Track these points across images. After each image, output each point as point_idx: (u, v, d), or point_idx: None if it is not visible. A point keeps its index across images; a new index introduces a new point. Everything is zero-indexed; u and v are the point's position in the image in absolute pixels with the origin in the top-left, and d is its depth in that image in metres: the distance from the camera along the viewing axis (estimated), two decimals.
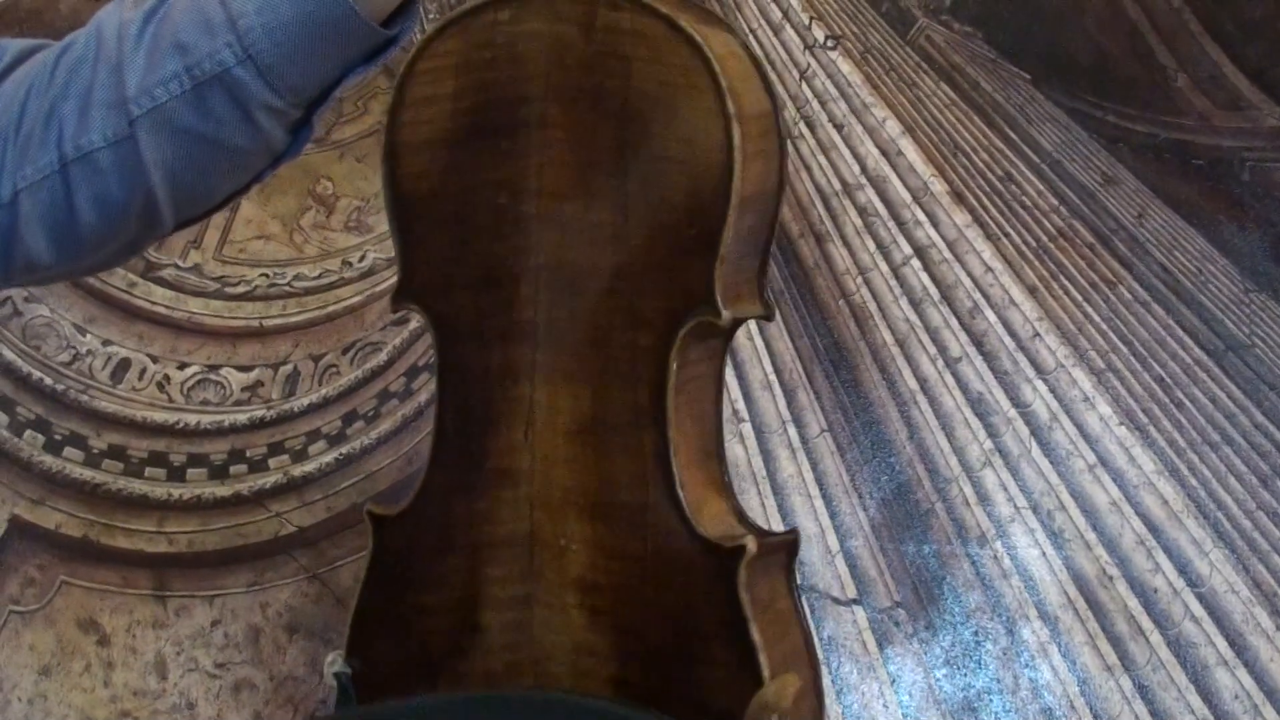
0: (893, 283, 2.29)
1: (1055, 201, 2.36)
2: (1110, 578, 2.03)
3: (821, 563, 2.09)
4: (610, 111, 1.35)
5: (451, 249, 1.31)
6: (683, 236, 1.34)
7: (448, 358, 1.29)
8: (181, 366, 2.35)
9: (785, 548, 1.40)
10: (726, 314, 1.34)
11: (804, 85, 2.52)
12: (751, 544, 1.31)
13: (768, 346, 2.24)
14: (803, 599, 1.17)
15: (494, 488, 1.31)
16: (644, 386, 1.33)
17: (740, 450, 2.19)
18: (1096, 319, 2.23)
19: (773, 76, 1.33)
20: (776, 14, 2.52)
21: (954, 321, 2.26)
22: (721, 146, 1.34)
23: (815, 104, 2.52)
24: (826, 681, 2.04)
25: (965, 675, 1.99)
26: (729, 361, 2.00)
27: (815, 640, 1.19)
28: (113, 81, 1.17)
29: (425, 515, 1.29)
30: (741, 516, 1.42)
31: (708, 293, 1.32)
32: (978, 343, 2.23)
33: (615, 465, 1.33)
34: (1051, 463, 2.12)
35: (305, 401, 2.35)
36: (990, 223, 2.34)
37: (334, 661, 1.17)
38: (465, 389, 1.30)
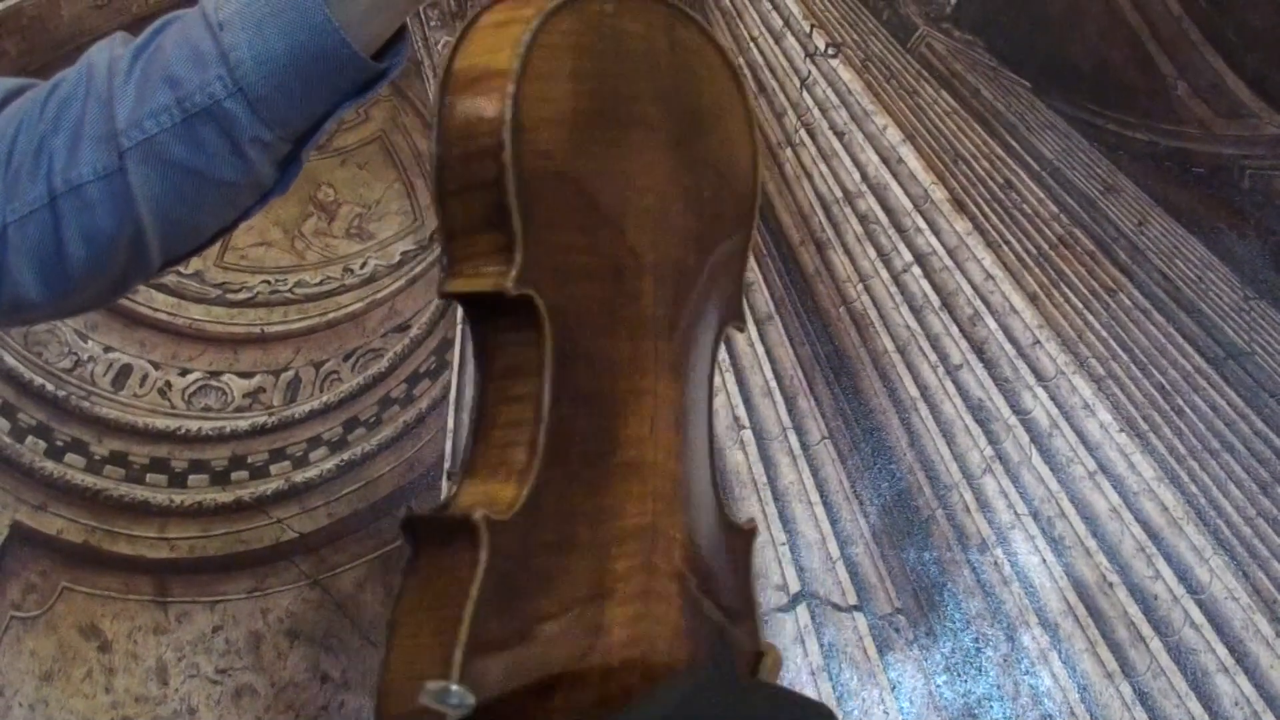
0: (893, 290, 2.30)
1: (1056, 209, 2.36)
2: (1110, 584, 2.03)
3: (822, 569, 2.09)
4: (687, 121, 1.37)
5: (580, 236, 1.28)
6: (730, 248, 1.37)
7: (569, 348, 1.26)
8: (183, 373, 2.35)
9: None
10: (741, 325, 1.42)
11: (805, 93, 2.53)
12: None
13: (768, 353, 2.25)
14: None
15: (621, 480, 1.30)
16: (707, 382, 1.37)
17: (741, 457, 2.19)
18: (1097, 326, 2.24)
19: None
20: (778, 21, 2.53)
21: (954, 329, 2.26)
22: (751, 167, 1.41)
23: (816, 111, 2.52)
24: (827, 688, 2.04)
25: (966, 682, 2.00)
26: (731, 368, 2.01)
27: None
28: (103, 115, 1.17)
29: (543, 514, 1.25)
30: None
31: (739, 303, 1.39)
32: (978, 350, 2.24)
33: (696, 455, 1.35)
34: (1052, 470, 2.12)
35: (306, 408, 2.36)
36: (991, 230, 2.35)
37: (444, 693, 1.09)
38: (594, 381, 1.28)
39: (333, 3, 1.17)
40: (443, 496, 1.18)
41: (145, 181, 1.15)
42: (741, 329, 1.42)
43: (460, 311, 2.45)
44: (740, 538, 1.39)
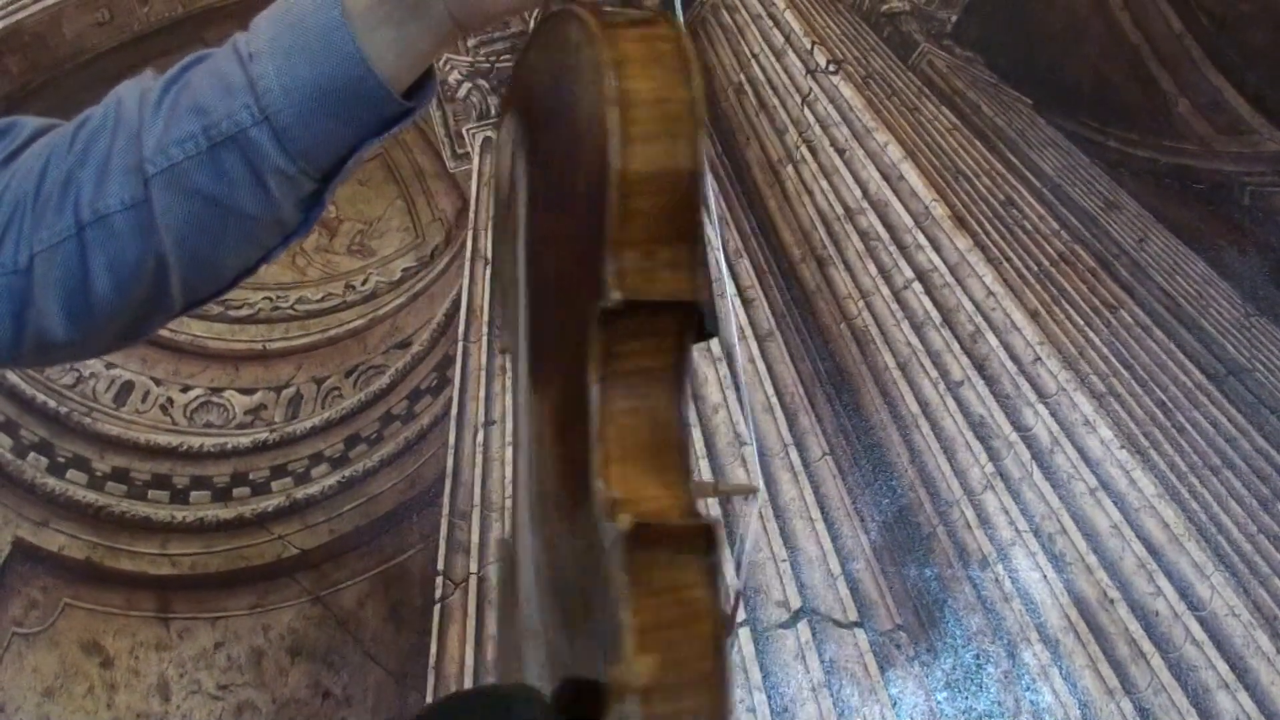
0: (894, 306, 2.30)
1: (1057, 226, 2.36)
2: (1111, 601, 2.03)
3: (823, 586, 2.09)
4: None
5: None
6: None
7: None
8: (185, 389, 2.35)
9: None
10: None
11: (806, 109, 2.53)
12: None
13: (769, 370, 2.25)
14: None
15: None
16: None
17: (742, 473, 2.19)
18: (1098, 343, 2.24)
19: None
20: (779, 39, 2.53)
21: (955, 345, 2.26)
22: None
23: (817, 128, 2.53)
24: (828, 704, 2.04)
25: (966, 698, 2.00)
26: (731, 384, 2.01)
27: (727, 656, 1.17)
28: (131, 147, 1.17)
29: None
30: None
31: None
32: (979, 366, 2.24)
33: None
34: (1053, 486, 2.12)
35: (308, 424, 2.36)
36: (992, 247, 2.35)
37: None
38: None
39: (363, 36, 1.17)
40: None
41: (167, 210, 1.15)
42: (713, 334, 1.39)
43: (463, 328, 2.46)
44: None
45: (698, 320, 1.16)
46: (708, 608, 1.21)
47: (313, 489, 2.30)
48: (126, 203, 1.17)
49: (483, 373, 2.37)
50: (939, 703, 2.01)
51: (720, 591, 1.07)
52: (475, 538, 2.20)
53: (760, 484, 1.90)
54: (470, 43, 2.90)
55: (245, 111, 1.16)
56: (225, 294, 1.28)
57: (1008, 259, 2.33)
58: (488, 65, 2.86)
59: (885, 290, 2.31)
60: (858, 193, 2.44)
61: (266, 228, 1.22)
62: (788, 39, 2.52)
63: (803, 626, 2.08)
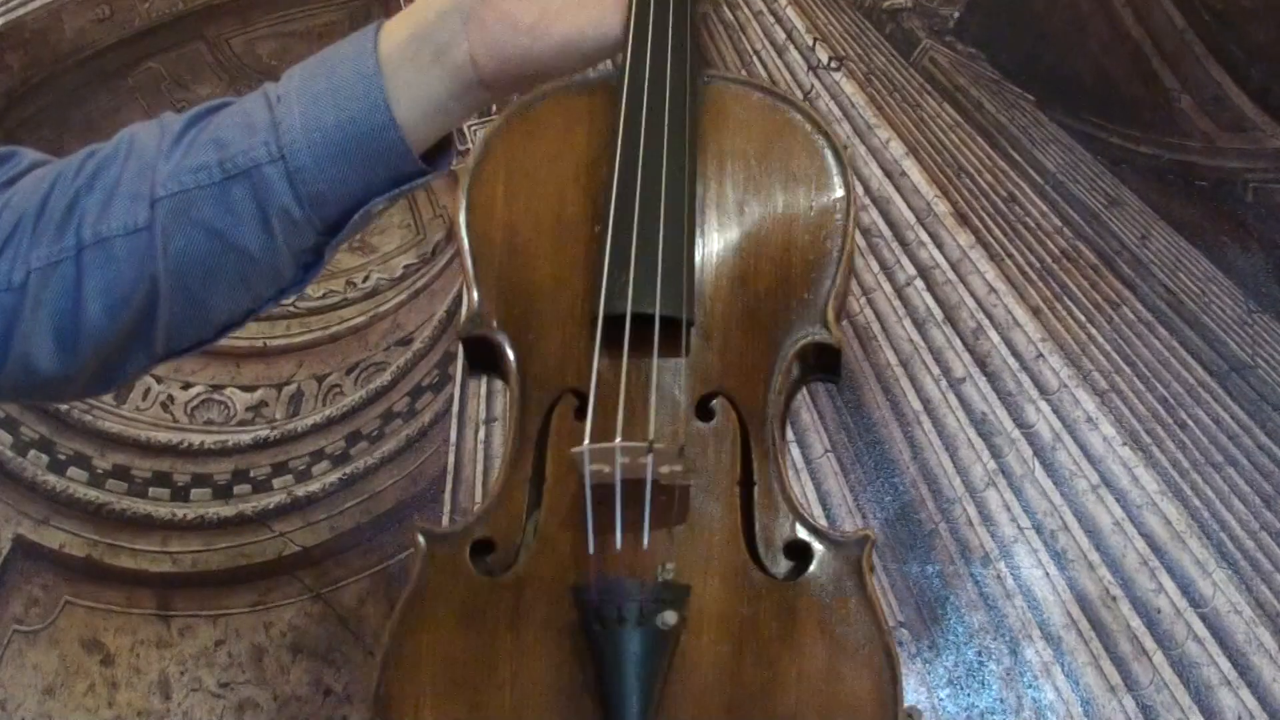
0: (896, 303, 2.29)
1: (1059, 223, 2.36)
2: (1113, 598, 2.03)
3: None
4: None
5: None
6: None
7: None
8: (185, 386, 2.35)
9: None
10: None
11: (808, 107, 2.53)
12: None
13: None
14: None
15: None
16: None
17: None
18: (1100, 340, 2.23)
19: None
20: (780, 35, 2.53)
21: (957, 342, 2.26)
22: None
23: None
24: None
25: (969, 696, 1.99)
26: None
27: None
28: (143, 176, 1.17)
29: None
30: None
31: None
32: (981, 363, 2.23)
33: None
34: (1055, 483, 2.12)
35: (309, 422, 2.36)
36: (994, 244, 2.35)
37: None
38: None
39: (391, 90, 1.17)
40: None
41: (169, 237, 1.15)
42: None
43: None
44: None
45: None
46: None
47: (314, 486, 2.29)
48: (129, 228, 1.17)
49: None
50: (941, 700, 2.01)
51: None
52: None
53: None
54: None
55: (263, 148, 1.17)
56: (208, 345, 1.28)
57: (1010, 256, 2.33)
58: None
59: (887, 287, 2.30)
60: (859, 189, 2.43)
61: (262, 272, 1.22)
62: (789, 35, 2.51)
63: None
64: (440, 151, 1.25)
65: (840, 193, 1.27)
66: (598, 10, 1.25)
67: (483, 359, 1.30)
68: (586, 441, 1.14)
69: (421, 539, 1.19)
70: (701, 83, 1.31)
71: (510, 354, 1.25)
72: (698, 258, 1.24)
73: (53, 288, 1.16)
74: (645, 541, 1.11)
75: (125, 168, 1.19)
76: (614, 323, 1.19)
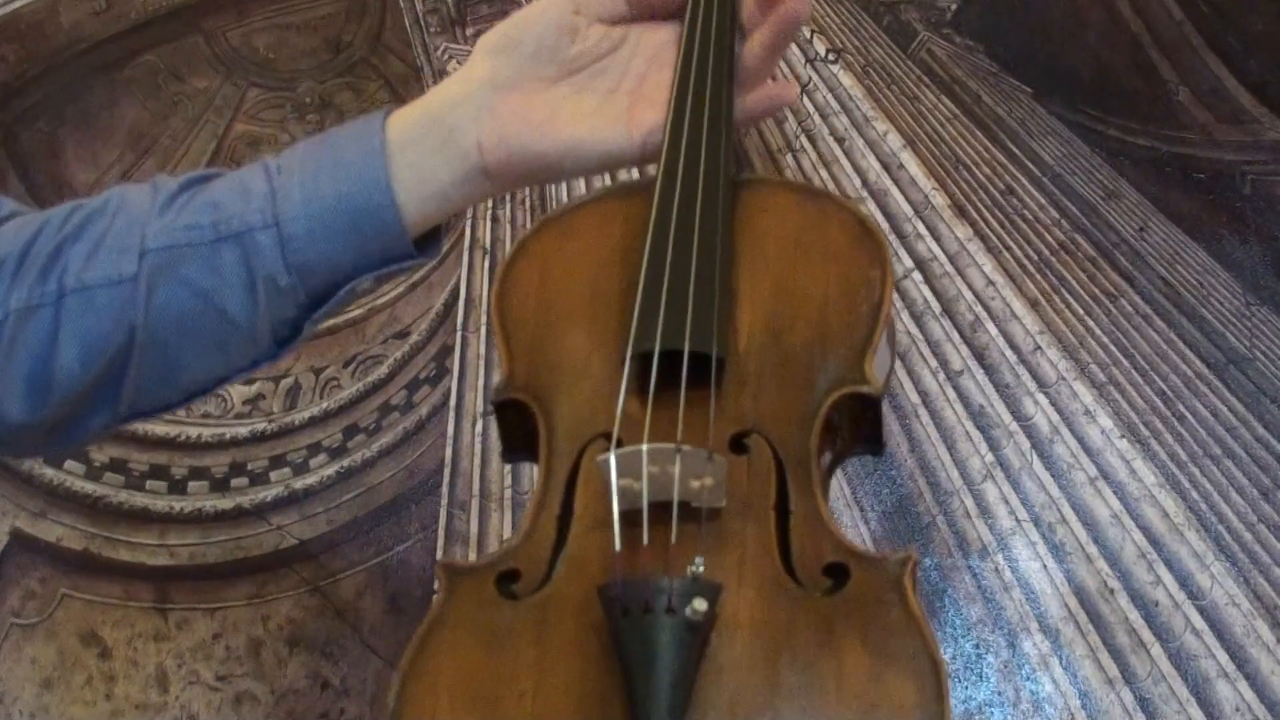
0: (894, 296, 2.29)
1: (1056, 215, 2.36)
2: (1111, 591, 2.03)
3: None
4: None
5: None
6: None
7: None
8: None
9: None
10: None
11: (805, 98, 2.53)
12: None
13: None
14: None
15: None
16: None
17: None
18: (1098, 332, 2.23)
19: None
20: None
21: (955, 335, 2.26)
22: None
23: (816, 118, 2.53)
24: None
25: (966, 688, 1.99)
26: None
27: None
28: (132, 231, 1.16)
29: None
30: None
31: None
32: (979, 356, 2.23)
33: None
34: (1053, 476, 2.12)
35: (306, 415, 2.36)
36: (991, 236, 2.35)
37: None
38: None
39: (394, 170, 1.17)
40: None
41: (152, 289, 1.14)
42: None
43: (462, 318, 2.45)
44: None
45: None
46: None
47: (311, 479, 2.29)
48: (114, 278, 1.16)
49: (481, 362, 2.36)
50: None
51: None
52: (474, 528, 2.20)
53: None
54: (469, 32, 2.89)
55: (258, 214, 1.17)
56: (173, 409, 1.27)
57: (1007, 248, 2.33)
58: None
59: None
60: (857, 181, 2.43)
61: (240, 339, 1.21)
62: None
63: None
64: (430, 239, 1.25)
65: (877, 270, 1.26)
66: (608, 121, 1.25)
67: (515, 426, 1.28)
68: (613, 450, 1.12)
69: (444, 574, 1.18)
70: (737, 180, 1.31)
71: (538, 413, 1.23)
72: (731, 309, 1.23)
73: (29, 332, 1.15)
74: (674, 537, 1.09)
75: (114, 221, 1.18)
76: (644, 365, 1.17)
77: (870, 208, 2.38)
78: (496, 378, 1.31)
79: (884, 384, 1.23)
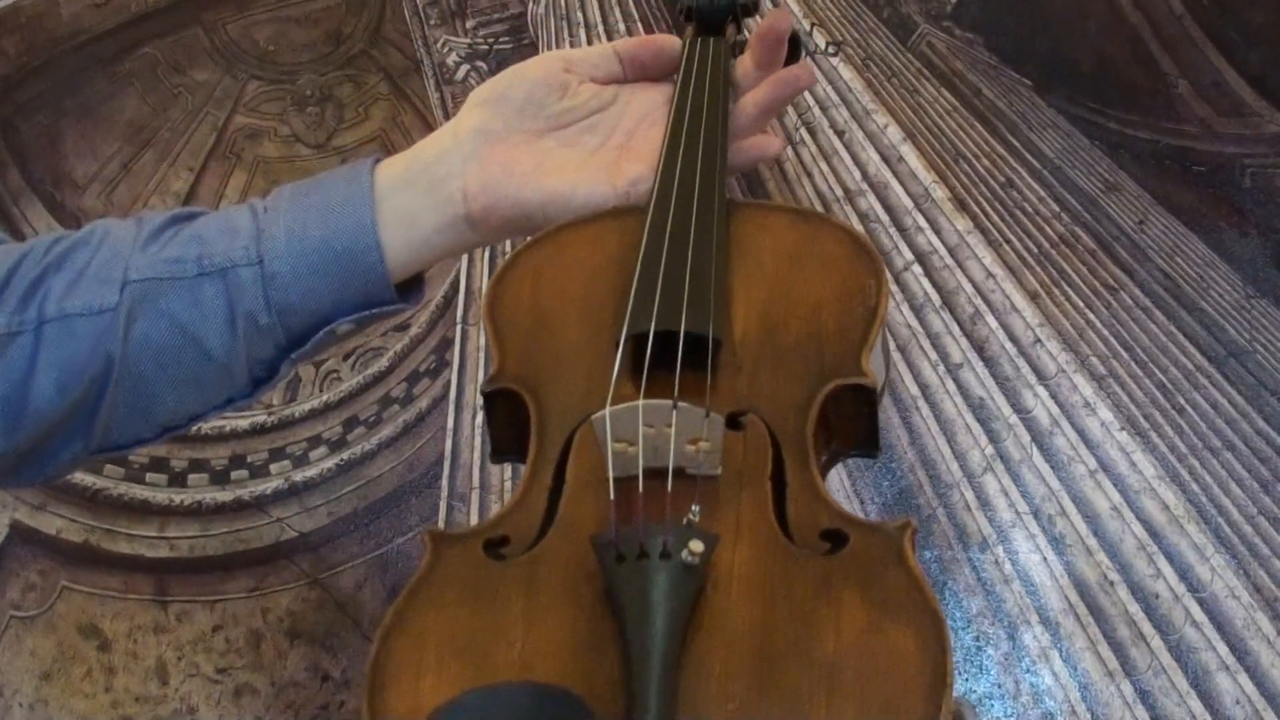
0: (894, 289, 2.29)
1: (1056, 208, 2.36)
2: (1111, 583, 2.03)
3: None
4: None
5: None
6: None
7: None
8: None
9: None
10: None
11: (805, 92, 2.53)
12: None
13: None
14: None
15: None
16: None
17: None
18: (1098, 325, 2.23)
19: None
20: None
21: (955, 328, 2.26)
22: None
23: (816, 110, 2.52)
24: None
25: (966, 680, 1.99)
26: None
27: None
28: (115, 263, 1.16)
29: None
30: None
31: None
32: (979, 349, 2.23)
33: None
34: (1052, 468, 2.12)
35: (306, 407, 2.36)
36: (991, 229, 2.34)
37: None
38: None
39: (380, 214, 1.18)
40: None
41: (132, 320, 1.14)
42: None
43: (461, 310, 2.45)
44: None
45: None
46: None
47: (311, 472, 2.29)
48: (95, 308, 1.16)
49: (481, 355, 2.36)
50: None
51: None
52: (474, 520, 2.20)
53: None
54: (469, 24, 2.89)
55: (242, 251, 1.17)
56: (146, 444, 1.26)
57: (1007, 241, 2.33)
58: (486, 47, 2.86)
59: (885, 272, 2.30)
60: (857, 174, 2.43)
61: (217, 375, 1.21)
62: None
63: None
64: (413, 286, 1.25)
65: (873, 280, 1.26)
66: (593, 173, 1.27)
67: (504, 419, 1.27)
68: (608, 406, 1.11)
69: (430, 540, 1.17)
70: (732, 201, 1.31)
71: (530, 402, 1.23)
72: (728, 308, 1.23)
73: (8, 358, 1.15)
74: (670, 506, 1.08)
75: (98, 253, 1.18)
76: (638, 348, 1.17)
77: (870, 200, 2.38)
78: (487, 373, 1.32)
79: (881, 385, 1.23)
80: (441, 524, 2.20)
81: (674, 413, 1.08)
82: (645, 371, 1.16)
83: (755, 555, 1.06)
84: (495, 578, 1.11)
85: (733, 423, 1.16)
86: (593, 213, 1.33)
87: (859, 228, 2.36)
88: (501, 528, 1.15)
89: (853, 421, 1.22)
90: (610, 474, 1.08)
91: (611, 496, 1.06)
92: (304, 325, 1.19)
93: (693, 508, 1.04)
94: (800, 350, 1.22)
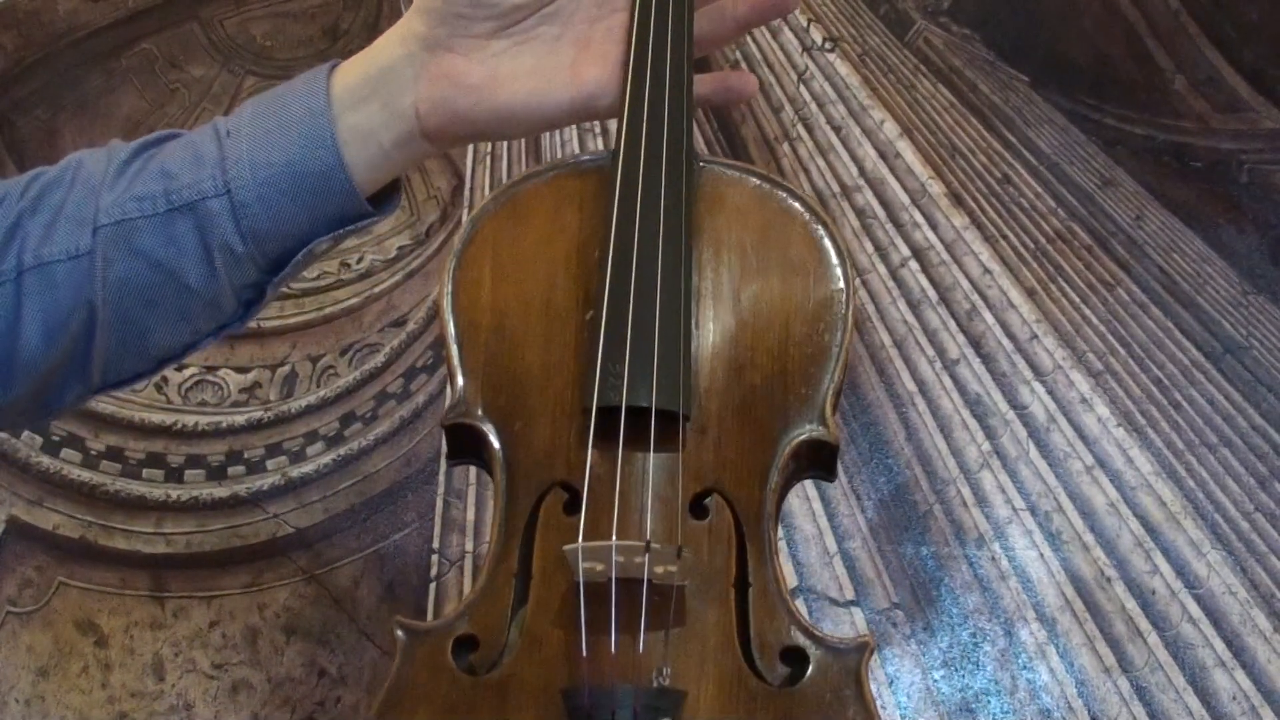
0: (890, 284, 2.29)
1: (1053, 203, 2.36)
2: (1108, 579, 2.03)
3: (819, 564, 2.09)
4: None
5: None
6: None
7: None
8: (179, 368, 2.35)
9: None
10: None
11: (802, 87, 2.52)
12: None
13: None
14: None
15: None
16: None
17: None
18: (1094, 321, 2.23)
19: None
20: None
21: (952, 323, 2.26)
22: None
23: (813, 106, 2.52)
24: None
25: (963, 676, 1.99)
26: None
27: None
28: (88, 201, 1.16)
29: None
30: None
31: None
32: (975, 344, 2.23)
33: None
34: (1049, 464, 2.12)
35: (303, 403, 2.35)
36: (988, 225, 2.34)
37: None
38: None
39: (340, 131, 1.17)
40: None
41: (109, 263, 1.14)
42: None
43: None
44: None
45: None
46: None
47: (308, 467, 2.29)
48: (71, 253, 1.16)
49: None
50: (935, 681, 2.01)
51: None
52: (471, 516, 2.20)
53: None
54: None
55: (209, 182, 1.16)
56: (147, 377, 1.26)
57: (1004, 236, 2.33)
58: None
59: (882, 268, 2.30)
60: (854, 170, 2.43)
61: (202, 306, 1.20)
62: (783, 17, 2.50)
63: (799, 605, 2.08)
64: (387, 195, 1.24)
65: (840, 285, 1.24)
66: (544, 83, 1.23)
67: (467, 447, 1.26)
68: (580, 539, 1.11)
69: (400, 634, 1.18)
70: (697, 166, 1.28)
71: (496, 443, 1.21)
72: (693, 348, 1.20)
73: None
74: (641, 645, 1.09)
75: (71, 192, 1.17)
76: (606, 415, 1.15)
77: (867, 196, 2.37)
78: (447, 398, 1.29)
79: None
80: (438, 519, 2.20)
81: (646, 556, 1.08)
82: (619, 458, 1.15)
83: (720, 696, 1.08)
84: (466, 699, 1.12)
85: (697, 508, 1.16)
86: (553, 168, 1.31)
87: (854, 223, 2.36)
88: (469, 623, 1.16)
89: (812, 460, 1.23)
90: (581, 595, 1.08)
91: (584, 653, 1.08)
92: (280, 249, 1.18)
93: (664, 669, 1.06)
94: (766, 399, 1.20)
